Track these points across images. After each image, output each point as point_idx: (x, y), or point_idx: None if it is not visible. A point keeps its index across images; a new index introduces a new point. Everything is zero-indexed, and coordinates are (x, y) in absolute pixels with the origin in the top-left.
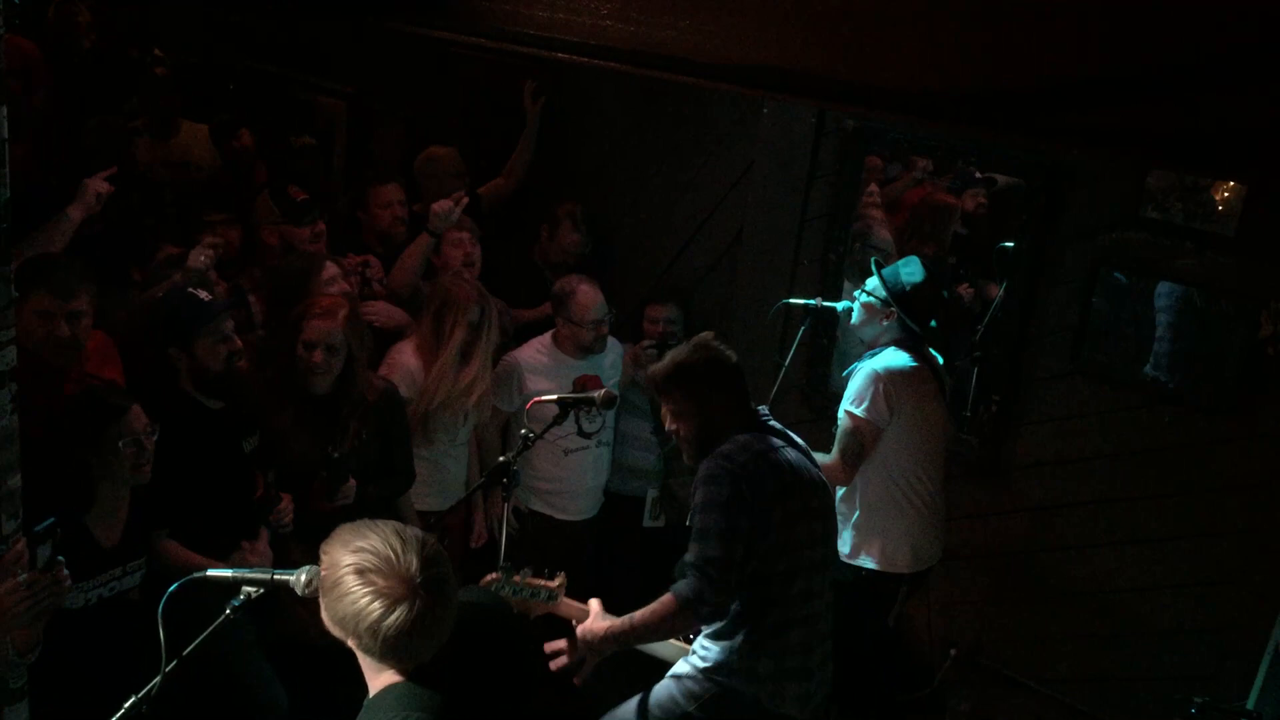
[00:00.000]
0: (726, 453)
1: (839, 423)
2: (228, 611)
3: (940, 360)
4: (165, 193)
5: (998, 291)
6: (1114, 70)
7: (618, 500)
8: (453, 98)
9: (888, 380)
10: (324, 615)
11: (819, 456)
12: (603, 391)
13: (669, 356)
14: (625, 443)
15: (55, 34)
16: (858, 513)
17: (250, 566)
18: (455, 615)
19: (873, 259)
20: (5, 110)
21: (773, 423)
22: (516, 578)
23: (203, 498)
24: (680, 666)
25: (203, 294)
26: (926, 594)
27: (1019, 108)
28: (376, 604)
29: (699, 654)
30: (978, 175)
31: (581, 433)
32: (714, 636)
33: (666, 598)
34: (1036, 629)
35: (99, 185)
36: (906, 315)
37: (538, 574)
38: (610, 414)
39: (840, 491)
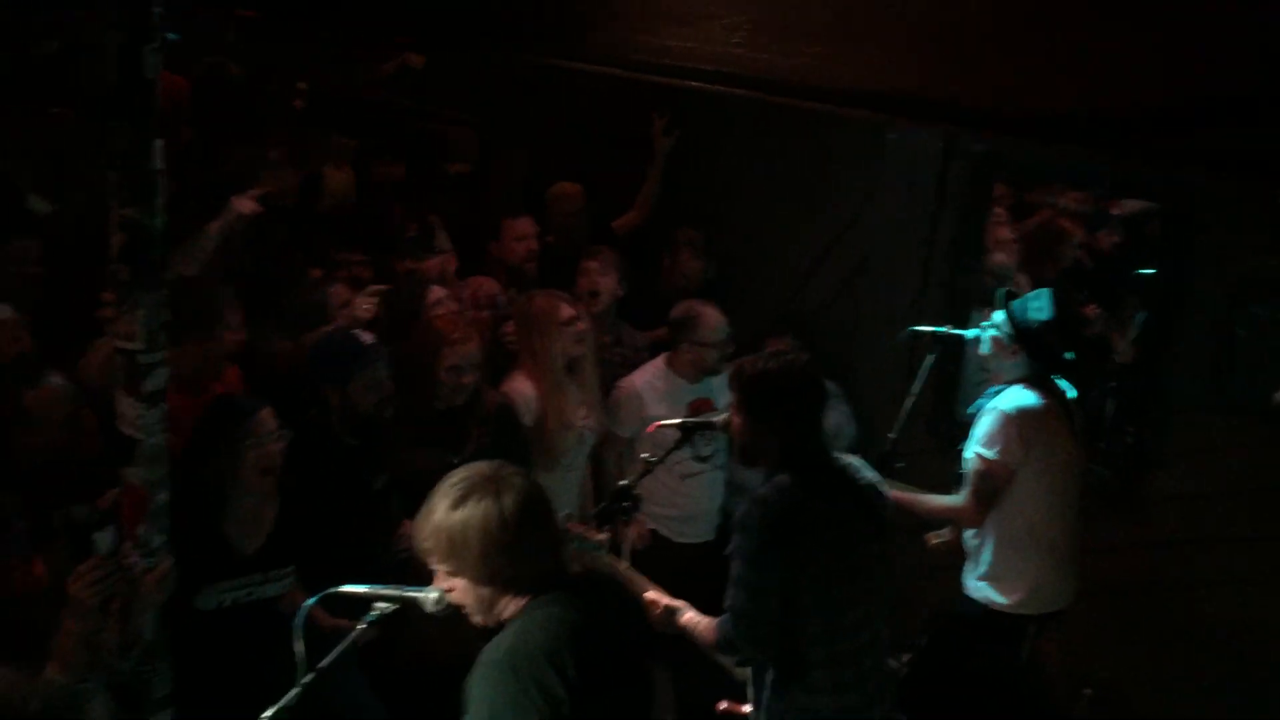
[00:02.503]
0: (764, 498)
1: (968, 463)
2: (361, 627)
3: (1072, 393)
4: (303, 224)
5: (1134, 319)
6: (1249, 94)
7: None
8: (575, 128)
9: (1020, 421)
10: (461, 587)
11: (946, 499)
12: (723, 416)
13: (755, 362)
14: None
15: (201, 69)
16: (988, 550)
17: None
18: (542, 544)
19: (1000, 292)
20: (161, 143)
21: (842, 460)
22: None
23: (329, 529)
24: None
25: (365, 337)
26: (1058, 632)
27: (1148, 131)
28: (486, 500)
29: None
30: (1113, 212)
31: (697, 456)
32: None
33: (711, 626)
34: (1173, 670)
35: (245, 204)
36: (1032, 355)
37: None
38: (724, 438)
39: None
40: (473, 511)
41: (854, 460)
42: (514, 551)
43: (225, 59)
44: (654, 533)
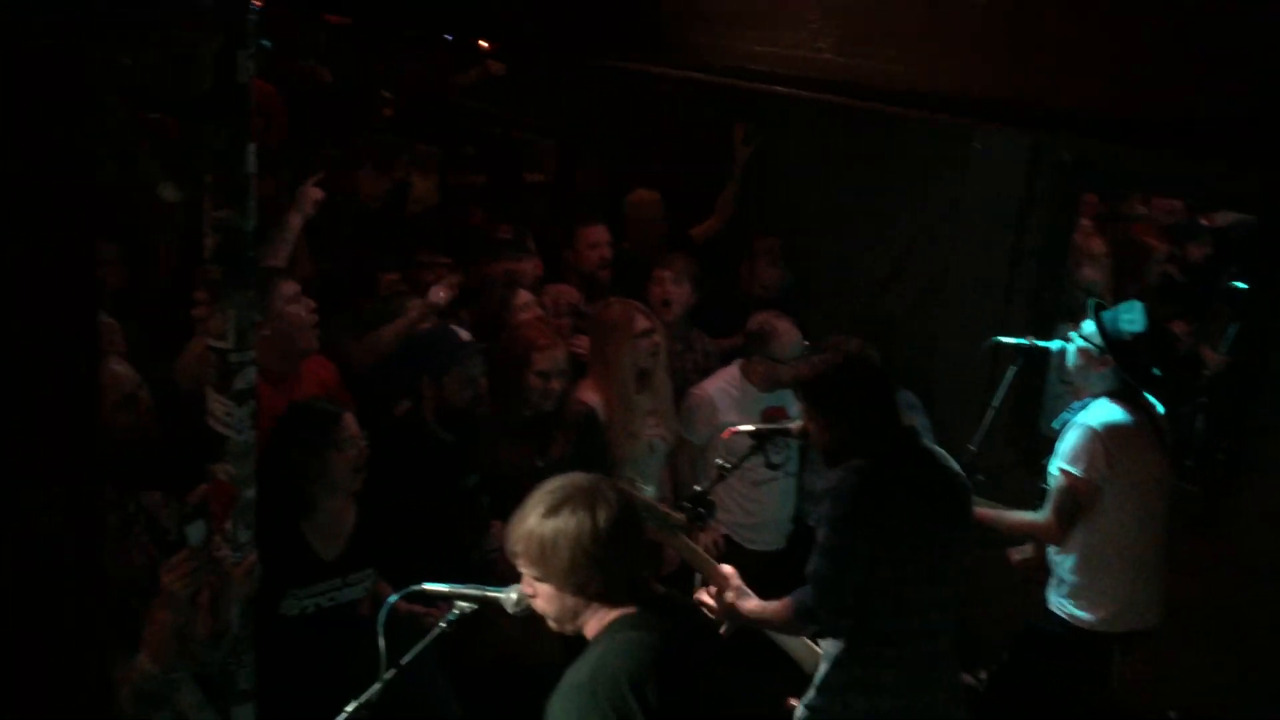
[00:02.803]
0: (855, 468)
1: (1051, 478)
2: (442, 625)
3: (1160, 409)
4: (384, 227)
5: (1224, 335)
6: None
7: (806, 529)
8: (657, 136)
9: (1106, 437)
10: (545, 594)
11: (1028, 514)
12: (799, 423)
13: (811, 361)
14: (816, 471)
15: (293, 74)
16: (1073, 567)
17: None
18: (629, 557)
19: (1091, 302)
20: (254, 147)
21: (930, 445)
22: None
23: (418, 524)
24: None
25: (463, 333)
26: (1144, 654)
27: (1242, 137)
28: (581, 512)
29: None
30: (1204, 223)
31: (770, 464)
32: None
33: (787, 600)
34: (1262, 693)
35: (315, 192)
36: (1123, 368)
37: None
38: (795, 446)
39: None
40: (566, 522)
41: (937, 448)
42: (603, 565)
43: (316, 64)
44: (727, 539)
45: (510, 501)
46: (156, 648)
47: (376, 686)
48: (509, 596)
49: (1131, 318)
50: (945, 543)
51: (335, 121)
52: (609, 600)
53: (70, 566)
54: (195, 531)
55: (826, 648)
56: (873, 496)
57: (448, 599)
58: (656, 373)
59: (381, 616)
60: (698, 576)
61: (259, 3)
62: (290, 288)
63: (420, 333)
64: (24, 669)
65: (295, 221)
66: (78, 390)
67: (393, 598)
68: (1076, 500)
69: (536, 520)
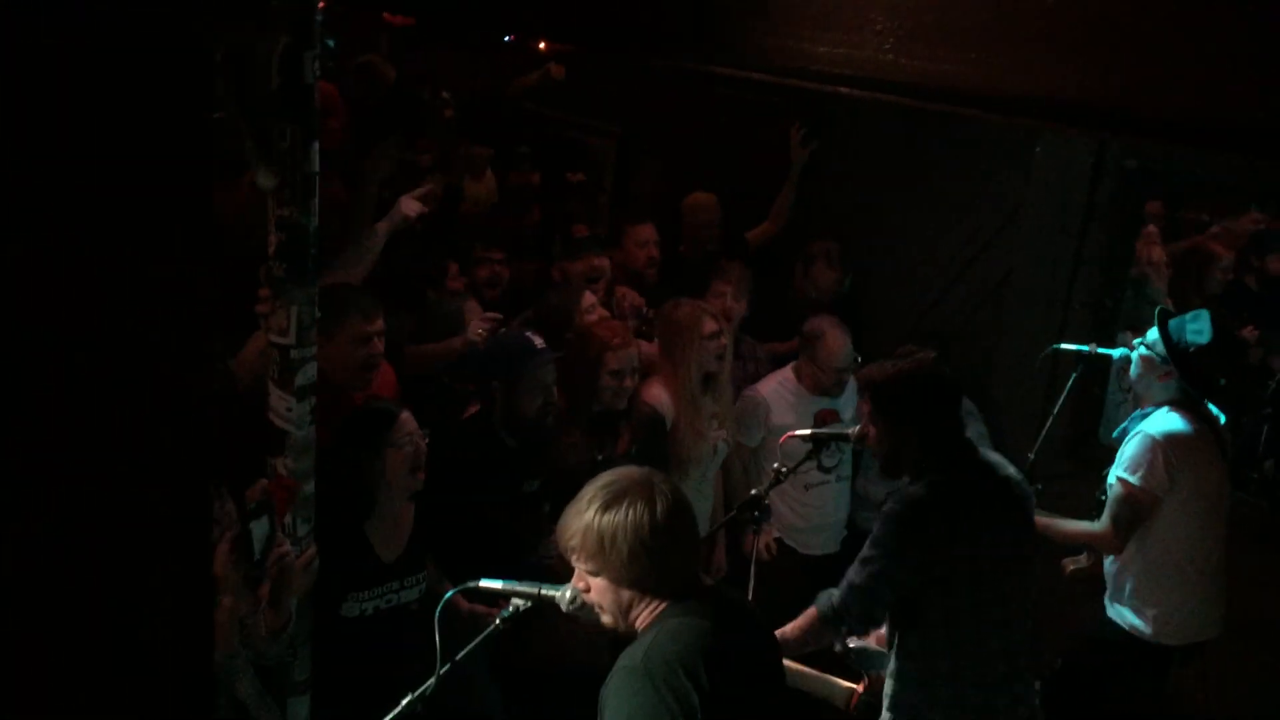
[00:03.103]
0: (915, 497)
1: (1110, 488)
2: (497, 622)
3: (1222, 419)
4: (444, 230)
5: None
6: None
7: (863, 536)
8: (715, 139)
9: (1167, 447)
10: (598, 587)
11: (1086, 524)
12: (857, 428)
13: (884, 366)
14: (867, 477)
15: (355, 81)
16: (1131, 577)
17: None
18: (685, 551)
19: (1158, 309)
20: (317, 145)
21: (988, 456)
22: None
23: (478, 527)
24: None
25: (538, 340)
26: (1203, 667)
27: None
28: (639, 505)
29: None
30: None
31: (821, 467)
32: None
33: (810, 612)
34: None
35: (411, 205)
36: (1186, 378)
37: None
38: (848, 449)
39: None
40: (625, 515)
41: (996, 457)
42: (660, 558)
43: (376, 57)
44: (779, 542)
45: (568, 496)
46: (218, 633)
47: (431, 681)
48: (564, 594)
49: (1198, 327)
50: (1013, 556)
51: (399, 123)
52: (662, 593)
53: (178, 565)
54: (259, 528)
55: (892, 666)
56: (930, 520)
57: (503, 596)
58: (721, 377)
59: (438, 611)
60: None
61: (324, 3)
62: (357, 328)
63: (496, 339)
64: (128, 663)
65: (383, 232)
66: (191, 387)
67: (450, 592)
68: (1135, 510)
69: (594, 514)
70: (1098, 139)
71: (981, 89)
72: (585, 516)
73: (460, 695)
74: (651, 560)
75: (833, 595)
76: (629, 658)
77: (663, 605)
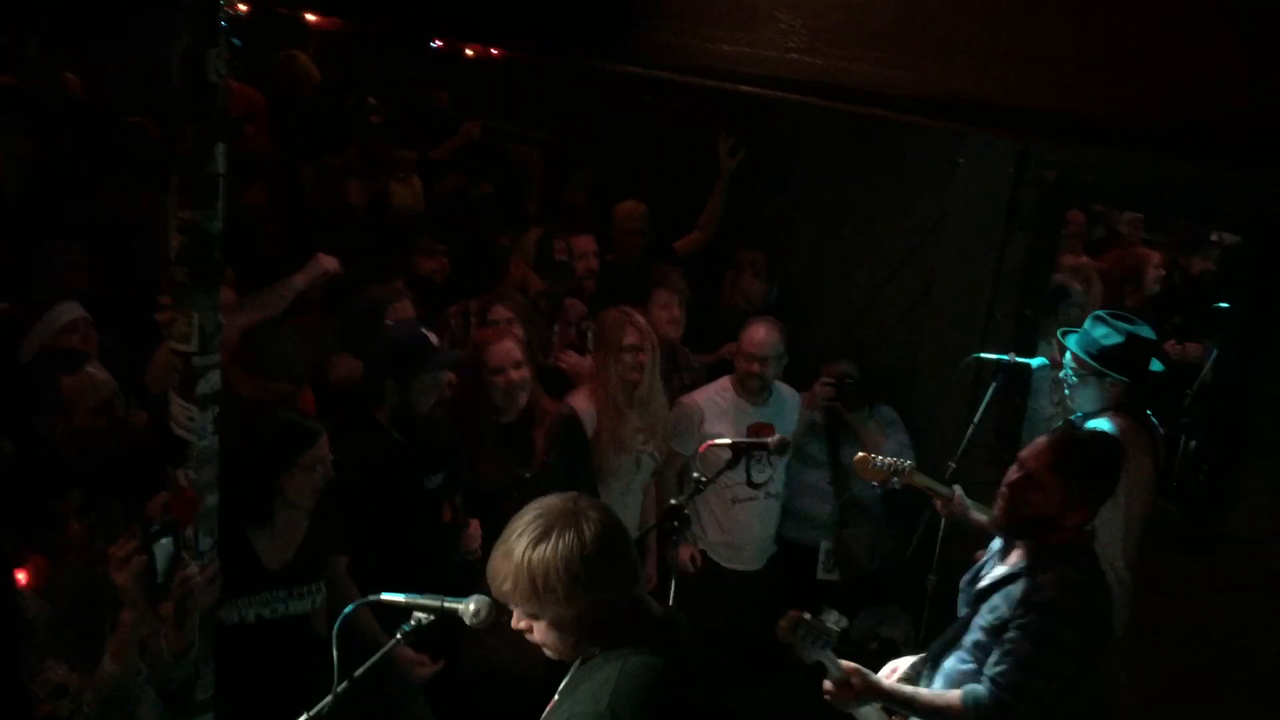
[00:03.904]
0: (1075, 584)
1: None
2: (397, 636)
3: (1160, 429)
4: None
5: (1204, 353)
6: None
7: (792, 549)
8: (645, 148)
9: None
10: (541, 628)
11: None
12: (777, 437)
13: (1082, 433)
14: (801, 491)
15: (278, 83)
16: None
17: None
18: (626, 577)
19: (1059, 331)
20: (223, 147)
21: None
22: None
23: (383, 529)
24: None
25: (433, 337)
26: (1123, 673)
27: (1240, 144)
28: (568, 534)
29: None
30: (1213, 239)
31: (750, 483)
32: None
33: (955, 694)
34: (1246, 718)
35: (329, 263)
36: (1121, 372)
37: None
38: (781, 465)
39: None
40: (555, 549)
41: None
42: (599, 589)
43: (299, 52)
44: (704, 555)
45: (497, 515)
46: (117, 649)
47: (328, 700)
48: (467, 608)
49: (1104, 331)
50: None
51: (323, 128)
52: (610, 625)
53: None
54: (163, 549)
55: None
56: (1101, 622)
57: (405, 609)
58: (651, 388)
59: (336, 627)
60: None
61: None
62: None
63: (390, 335)
64: None
65: (301, 283)
66: None
67: (349, 607)
68: None
69: (522, 553)
70: (1017, 148)
71: (886, 88)
72: (514, 557)
73: (385, 712)
74: (591, 594)
75: (987, 699)
76: (592, 702)
77: (612, 638)
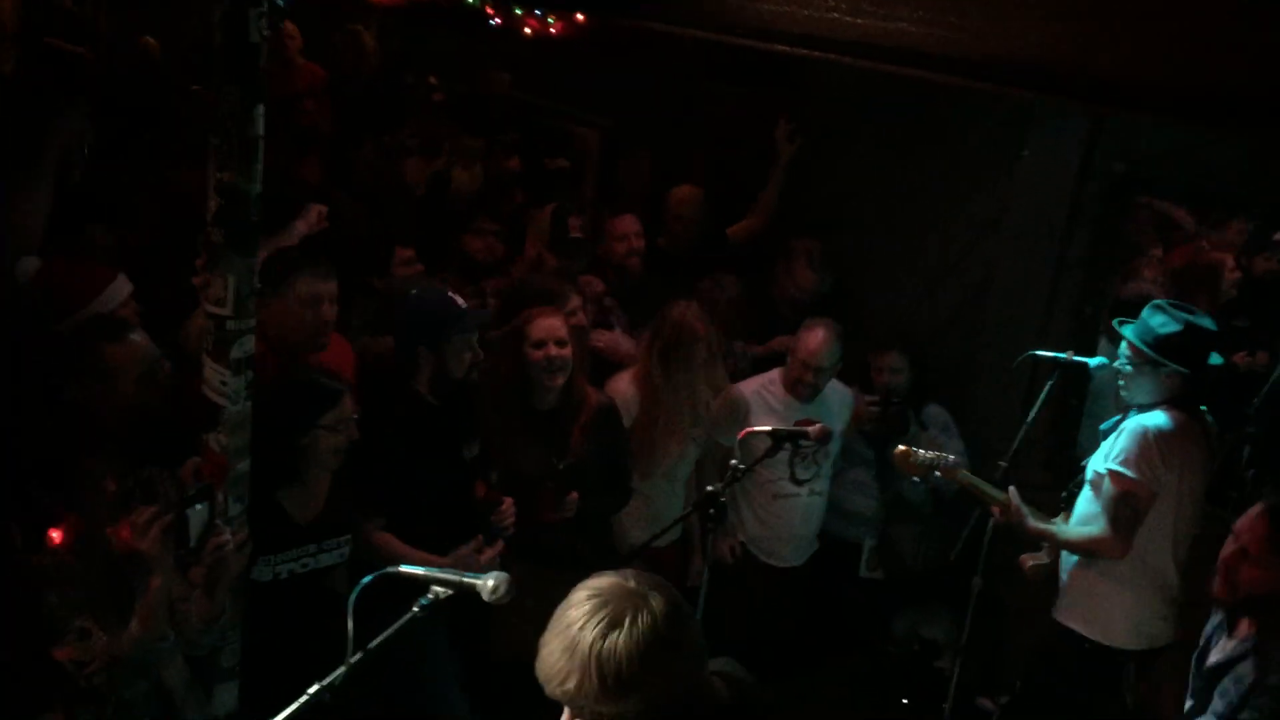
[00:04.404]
0: None
1: (1097, 483)
2: (414, 610)
3: (1215, 425)
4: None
5: (1273, 363)
6: None
7: (835, 545)
8: (702, 133)
9: (1160, 438)
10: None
11: (1085, 530)
12: (818, 426)
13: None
14: (846, 487)
15: (340, 59)
16: (1087, 580)
17: (467, 568)
18: (699, 661)
19: (1114, 320)
20: (262, 109)
21: None
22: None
23: (420, 495)
24: None
25: (460, 300)
26: (1166, 684)
27: None
28: (642, 617)
29: None
30: (1277, 238)
31: (795, 479)
32: None
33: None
34: None
35: (318, 209)
36: (1177, 361)
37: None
38: (826, 464)
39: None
40: (629, 635)
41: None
42: (676, 673)
43: (360, 27)
44: (744, 548)
45: (530, 502)
46: (145, 614)
47: (341, 670)
48: (486, 583)
49: (1162, 320)
50: None
51: (384, 106)
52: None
53: None
54: (198, 515)
55: None
56: None
57: (424, 582)
58: (697, 375)
59: (352, 598)
60: None
61: None
62: (307, 287)
63: (414, 296)
64: None
65: (300, 230)
66: None
67: (365, 579)
68: (1134, 506)
69: (591, 644)
70: (1084, 139)
71: (928, 49)
72: (580, 652)
73: (416, 691)
74: (669, 682)
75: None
76: None
77: None
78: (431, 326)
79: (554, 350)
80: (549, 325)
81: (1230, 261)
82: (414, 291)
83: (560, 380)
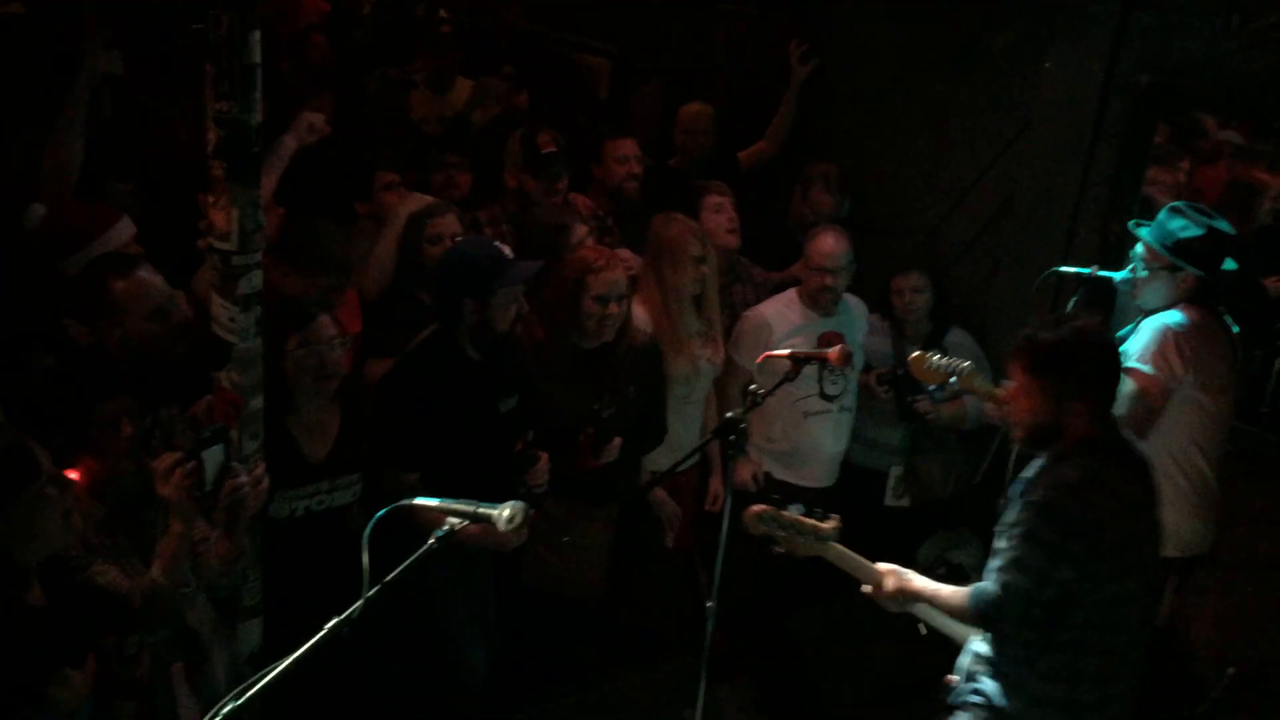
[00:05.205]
0: (1069, 484)
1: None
2: (431, 541)
3: (1235, 328)
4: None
5: None
6: None
7: (860, 474)
8: (713, 58)
9: (1180, 334)
10: None
11: None
12: (839, 347)
13: (1051, 327)
14: (870, 415)
15: None
16: None
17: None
18: None
19: (1130, 223)
20: (258, 35)
21: (1125, 436)
22: (786, 513)
23: (455, 449)
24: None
25: (507, 250)
26: (1201, 601)
27: None
28: None
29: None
30: None
31: (824, 395)
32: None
33: (964, 592)
34: None
35: (314, 118)
36: (1193, 264)
37: (808, 514)
38: (853, 378)
39: None
40: None
41: (1128, 435)
42: None
43: None
44: (770, 478)
45: (568, 450)
46: (166, 559)
47: (359, 604)
48: (500, 513)
49: (1182, 223)
50: (1148, 550)
51: (392, 38)
52: None
53: None
54: (214, 456)
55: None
56: (1090, 522)
57: (439, 514)
58: (708, 297)
59: (367, 532)
60: None
61: None
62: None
63: (460, 251)
64: None
65: (291, 143)
66: None
67: (381, 512)
68: (1148, 403)
69: None
70: (1106, 51)
71: None
72: None
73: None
74: None
75: (986, 593)
76: None
77: None
78: (478, 278)
79: (614, 308)
80: (611, 280)
81: (1277, 186)
82: (460, 241)
83: (609, 333)
